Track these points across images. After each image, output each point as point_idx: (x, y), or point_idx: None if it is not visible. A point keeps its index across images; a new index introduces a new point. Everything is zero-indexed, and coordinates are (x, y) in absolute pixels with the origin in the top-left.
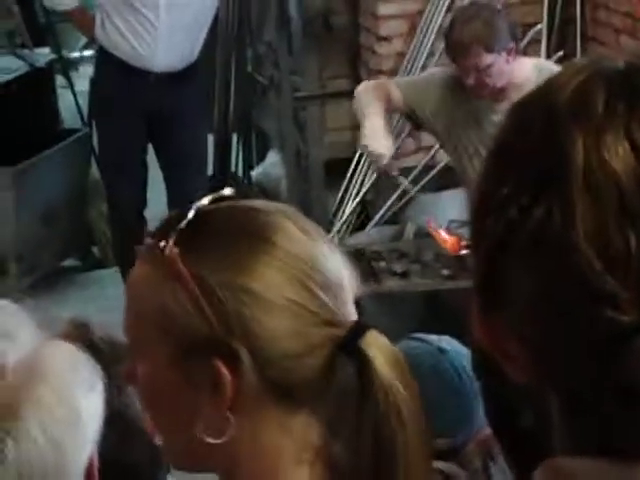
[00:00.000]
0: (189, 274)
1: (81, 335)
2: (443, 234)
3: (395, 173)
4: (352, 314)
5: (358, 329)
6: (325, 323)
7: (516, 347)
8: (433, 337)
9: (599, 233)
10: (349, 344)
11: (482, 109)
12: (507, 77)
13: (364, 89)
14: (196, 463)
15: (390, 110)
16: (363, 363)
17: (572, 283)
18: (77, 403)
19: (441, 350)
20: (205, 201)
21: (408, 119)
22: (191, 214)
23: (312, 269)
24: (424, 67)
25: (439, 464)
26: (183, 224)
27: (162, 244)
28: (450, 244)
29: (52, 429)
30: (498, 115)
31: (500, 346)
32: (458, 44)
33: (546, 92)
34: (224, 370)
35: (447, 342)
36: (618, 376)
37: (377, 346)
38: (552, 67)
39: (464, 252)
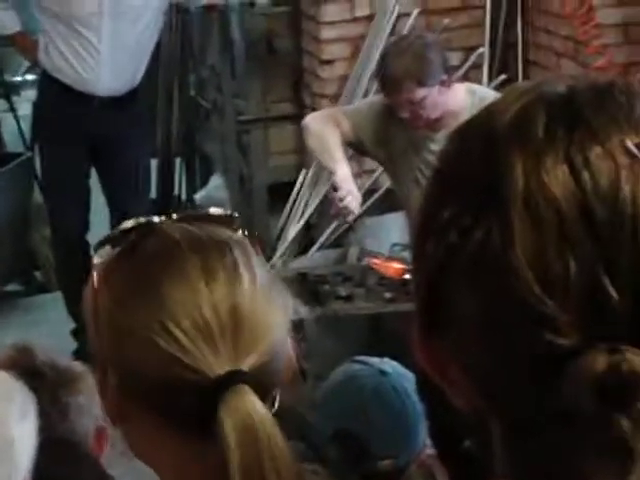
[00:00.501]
0: (93, 291)
1: (24, 360)
2: (385, 263)
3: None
4: (242, 365)
5: (221, 383)
6: (190, 370)
7: (457, 372)
8: (375, 360)
9: (538, 257)
10: (210, 397)
11: (420, 138)
12: (442, 108)
13: (318, 122)
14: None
15: (344, 143)
16: (215, 421)
17: (512, 305)
18: (10, 432)
19: (383, 372)
20: (131, 223)
21: (350, 146)
22: (112, 233)
23: (187, 317)
24: (367, 91)
25: None
26: (100, 242)
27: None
28: (393, 269)
29: None
30: (436, 144)
31: (441, 370)
32: (390, 80)
33: (487, 117)
34: (102, 385)
35: (389, 364)
36: (557, 400)
37: (231, 407)
38: (484, 90)
39: (407, 276)
